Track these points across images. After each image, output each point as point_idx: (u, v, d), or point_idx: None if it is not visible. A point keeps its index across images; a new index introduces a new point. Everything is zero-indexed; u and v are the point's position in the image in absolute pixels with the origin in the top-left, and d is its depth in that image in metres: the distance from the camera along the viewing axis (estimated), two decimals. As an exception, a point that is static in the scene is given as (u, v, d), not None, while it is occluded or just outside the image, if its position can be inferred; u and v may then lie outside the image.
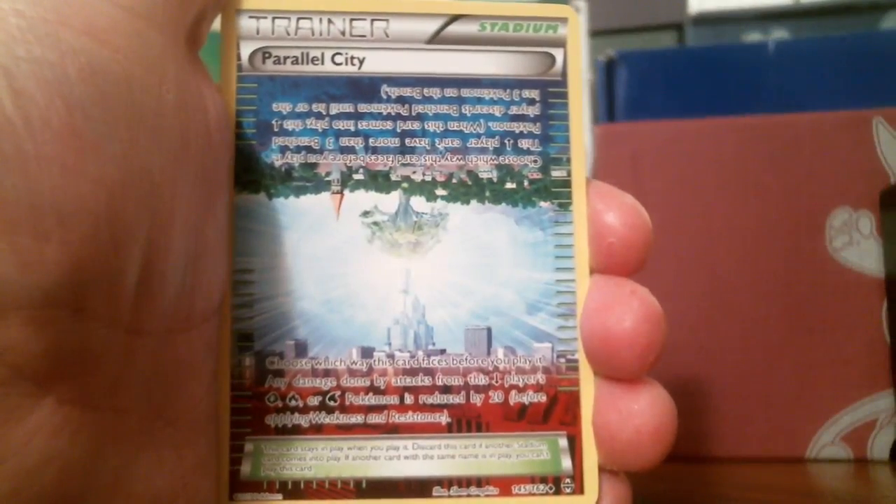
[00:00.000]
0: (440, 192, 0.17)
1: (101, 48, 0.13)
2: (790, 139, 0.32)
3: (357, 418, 0.16)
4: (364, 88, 0.17)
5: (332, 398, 0.16)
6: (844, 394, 0.30)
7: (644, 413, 0.16)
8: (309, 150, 0.17)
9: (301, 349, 0.17)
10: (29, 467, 0.12)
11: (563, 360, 0.17)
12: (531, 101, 0.18)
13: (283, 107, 0.17)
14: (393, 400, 0.17)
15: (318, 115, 0.17)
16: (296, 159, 0.17)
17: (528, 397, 0.17)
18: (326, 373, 0.17)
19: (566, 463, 0.17)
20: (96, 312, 0.12)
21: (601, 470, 0.17)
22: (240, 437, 0.16)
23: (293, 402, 0.16)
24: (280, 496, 0.16)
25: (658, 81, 0.39)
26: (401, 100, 0.17)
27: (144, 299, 0.13)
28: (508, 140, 0.18)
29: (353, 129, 0.17)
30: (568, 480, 0.17)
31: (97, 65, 0.12)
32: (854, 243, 0.31)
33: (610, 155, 0.33)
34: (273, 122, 0.17)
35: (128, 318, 0.13)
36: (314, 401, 0.16)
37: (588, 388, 0.17)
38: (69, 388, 0.12)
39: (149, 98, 0.13)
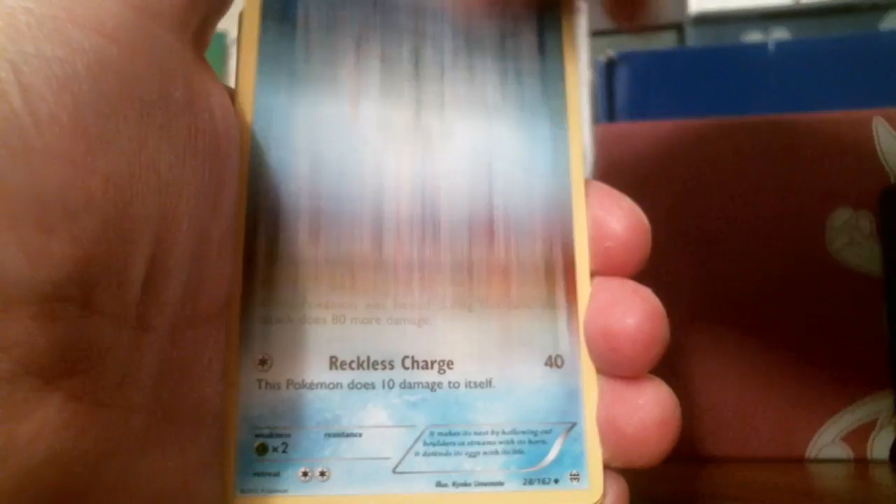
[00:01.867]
0: (450, 110, 0.18)
1: (111, 45, 0.13)
2: (790, 139, 0.32)
3: None
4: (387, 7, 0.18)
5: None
6: (844, 394, 0.30)
7: (649, 407, 0.16)
8: (329, 61, 0.18)
9: None
10: (34, 464, 0.12)
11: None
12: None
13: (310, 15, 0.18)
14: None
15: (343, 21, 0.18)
16: (317, 66, 0.18)
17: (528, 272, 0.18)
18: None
19: None
20: (103, 308, 0.12)
21: (604, 467, 0.17)
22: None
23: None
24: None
25: (658, 81, 0.39)
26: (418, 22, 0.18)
27: (150, 295, 0.13)
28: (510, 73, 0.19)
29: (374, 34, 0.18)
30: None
31: (106, 62, 0.13)
32: (854, 243, 0.31)
33: (610, 155, 0.33)
34: (298, 20, 0.18)
35: (134, 314, 0.13)
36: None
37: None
38: (76, 385, 0.12)
39: (157, 96, 0.14)
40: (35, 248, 0.11)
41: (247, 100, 0.17)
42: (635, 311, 0.16)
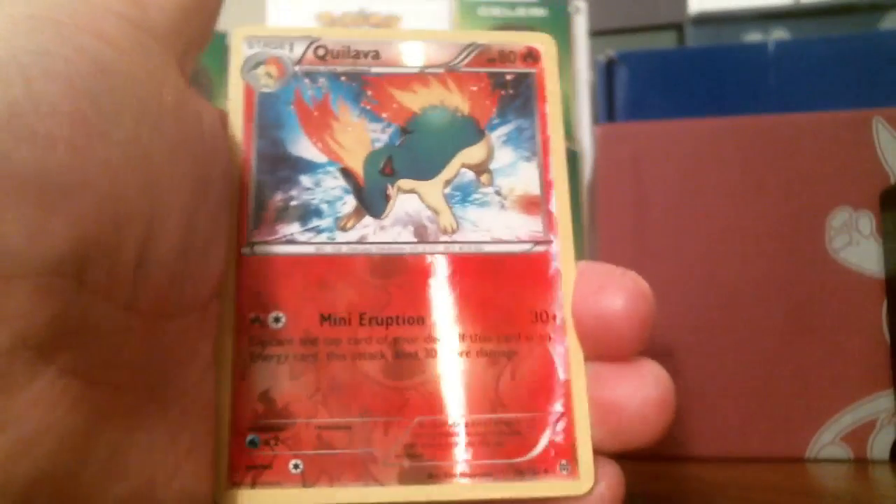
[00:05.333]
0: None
1: (110, 49, 0.14)
2: (790, 139, 0.32)
3: None
4: None
5: None
6: (844, 394, 0.30)
7: (648, 385, 0.17)
8: None
9: None
10: (27, 437, 0.12)
11: None
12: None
13: None
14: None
15: None
16: None
17: None
18: None
19: None
20: (97, 286, 0.13)
21: (595, 454, 0.17)
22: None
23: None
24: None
25: (658, 81, 0.39)
26: None
27: (140, 278, 0.14)
28: None
29: None
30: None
31: (106, 62, 0.14)
32: (854, 243, 0.31)
33: (610, 155, 0.33)
34: None
35: (126, 295, 0.14)
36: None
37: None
38: (70, 360, 0.13)
39: (151, 97, 0.14)
40: (35, 225, 0.12)
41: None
42: (625, 291, 0.17)
